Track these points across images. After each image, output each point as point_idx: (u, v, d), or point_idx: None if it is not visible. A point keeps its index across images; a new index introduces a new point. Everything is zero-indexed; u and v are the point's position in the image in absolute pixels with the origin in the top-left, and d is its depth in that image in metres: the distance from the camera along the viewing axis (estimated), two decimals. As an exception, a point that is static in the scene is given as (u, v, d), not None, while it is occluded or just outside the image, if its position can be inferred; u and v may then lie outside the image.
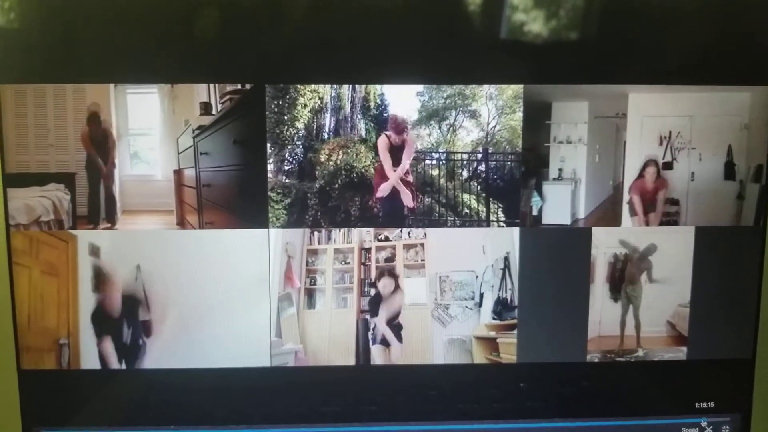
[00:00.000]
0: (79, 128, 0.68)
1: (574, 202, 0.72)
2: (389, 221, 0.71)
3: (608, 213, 0.72)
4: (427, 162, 0.71)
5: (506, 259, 0.72)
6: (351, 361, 0.73)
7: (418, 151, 0.71)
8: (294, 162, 0.70)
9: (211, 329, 0.71)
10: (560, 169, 0.72)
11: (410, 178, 0.71)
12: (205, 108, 0.69)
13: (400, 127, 0.70)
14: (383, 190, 0.71)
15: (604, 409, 0.75)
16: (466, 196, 0.72)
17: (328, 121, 0.70)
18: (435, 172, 0.72)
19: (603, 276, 0.73)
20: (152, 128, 0.69)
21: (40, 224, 0.69)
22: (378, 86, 0.69)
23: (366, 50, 0.68)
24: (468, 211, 0.72)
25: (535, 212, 0.72)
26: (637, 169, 0.72)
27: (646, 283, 0.73)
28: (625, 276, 0.73)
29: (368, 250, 0.72)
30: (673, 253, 0.73)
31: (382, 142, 0.70)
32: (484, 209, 0.72)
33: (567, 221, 0.72)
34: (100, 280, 0.70)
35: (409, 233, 0.72)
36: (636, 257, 0.73)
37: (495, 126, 0.70)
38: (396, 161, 0.71)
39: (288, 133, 0.69)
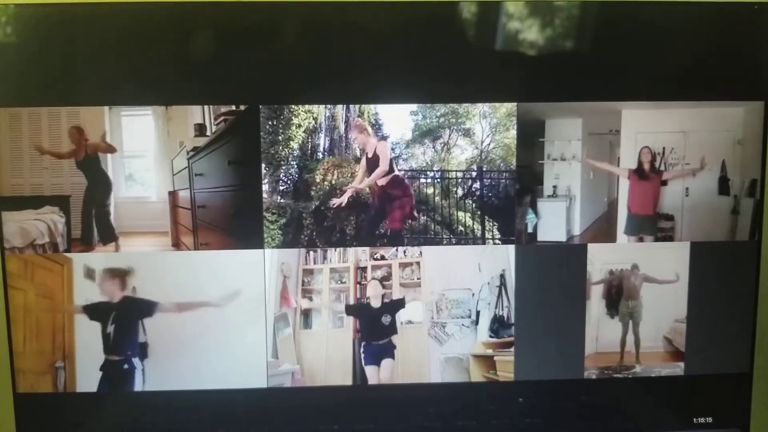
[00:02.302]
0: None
1: (569, 218, 0.72)
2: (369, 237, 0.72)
3: (603, 229, 0.73)
4: (422, 180, 0.71)
5: (502, 276, 0.72)
6: (348, 380, 0.73)
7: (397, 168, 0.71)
8: (289, 182, 0.70)
9: (207, 351, 0.71)
10: (555, 186, 0.72)
11: (390, 189, 0.71)
12: (200, 129, 0.69)
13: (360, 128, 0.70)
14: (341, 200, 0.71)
15: (602, 425, 0.75)
16: (461, 214, 0.72)
17: (322, 140, 0.70)
18: (430, 191, 0.72)
19: (599, 292, 0.73)
20: (147, 150, 0.69)
21: (35, 247, 0.69)
22: (372, 106, 0.69)
23: (360, 70, 0.68)
24: (463, 229, 0.72)
25: (530, 229, 0.72)
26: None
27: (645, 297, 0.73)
28: (623, 292, 0.73)
29: (364, 269, 0.72)
30: (668, 268, 0.73)
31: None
32: (480, 227, 0.72)
33: (562, 238, 0.72)
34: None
35: (405, 252, 0.72)
36: (632, 271, 0.73)
37: (489, 144, 0.71)
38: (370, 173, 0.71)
39: (283, 153, 0.69)
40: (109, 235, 0.70)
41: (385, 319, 0.72)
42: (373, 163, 0.70)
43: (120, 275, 0.70)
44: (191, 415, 0.72)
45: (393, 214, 0.71)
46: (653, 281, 0.73)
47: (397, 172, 0.71)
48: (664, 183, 0.72)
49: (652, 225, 0.72)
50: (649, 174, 0.72)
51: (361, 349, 0.73)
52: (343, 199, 0.70)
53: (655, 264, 0.73)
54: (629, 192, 0.72)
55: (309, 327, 0.73)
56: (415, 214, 0.71)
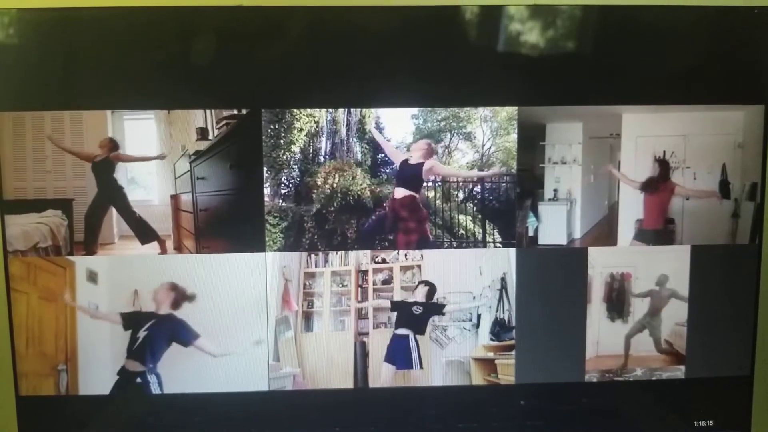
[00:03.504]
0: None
1: (569, 222, 0.73)
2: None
3: (604, 233, 0.73)
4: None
5: (503, 279, 0.72)
6: (349, 383, 0.73)
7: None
8: (290, 186, 0.70)
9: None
10: (555, 190, 0.72)
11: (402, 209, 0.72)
12: (202, 133, 0.69)
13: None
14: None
15: (603, 428, 0.75)
16: (462, 218, 0.72)
17: (324, 144, 0.70)
18: (431, 194, 0.72)
19: (600, 296, 0.73)
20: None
21: (38, 250, 0.69)
22: (373, 110, 0.70)
23: (361, 74, 0.69)
24: (464, 232, 0.72)
25: (531, 233, 0.72)
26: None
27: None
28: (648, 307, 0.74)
29: (365, 272, 0.72)
30: (669, 271, 0.73)
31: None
32: (480, 230, 0.72)
33: (563, 241, 0.72)
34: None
35: (406, 255, 0.72)
36: (659, 289, 0.73)
37: (490, 147, 0.71)
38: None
39: (284, 157, 0.70)
40: (150, 236, 0.70)
41: (417, 309, 0.73)
42: (409, 170, 0.71)
43: (179, 293, 0.70)
44: (193, 418, 0.72)
45: (398, 237, 0.72)
46: (682, 299, 0.73)
47: (416, 195, 0.71)
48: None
49: (658, 239, 0.73)
50: (656, 185, 0.72)
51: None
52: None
53: (656, 267, 0.73)
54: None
55: (310, 330, 0.73)
56: (428, 236, 0.72)
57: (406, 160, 0.71)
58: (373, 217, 0.71)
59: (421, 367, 0.73)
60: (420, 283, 0.72)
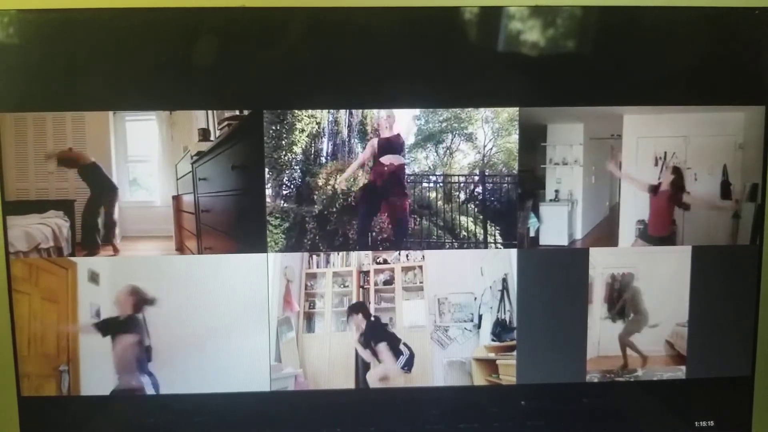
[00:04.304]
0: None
1: (571, 223, 0.73)
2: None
3: (605, 233, 0.73)
4: (425, 185, 0.72)
5: (504, 280, 0.72)
6: (351, 384, 0.73)
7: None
8: (292, 186, 0.70)
9: (210, 354, 0.71)
10: (557, 191, 0.72)
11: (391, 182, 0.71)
12: (204, 134, 0.69)
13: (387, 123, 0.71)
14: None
15: (604, 428, 0.75)
16: (463, 219, 0.72)
17: (325, 145, 0.70)
18: (432, 195, 0.72)
19: (601, 296, 0.73)
20: (151, 155, 0.70)
21: (40, 251, 0.69)
22: (375, 111, 0.70)
23: (363, 75, 0.69)
24: (466, 233, 0.72)
25: (532, 233, 0.72)
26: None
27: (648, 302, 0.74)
28: (626, 305, 0.74)
29: (367, 273, 0.72)
30: (670, 272, 0.73)
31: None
32: (482, 231, 0.72)
33: (564, 242, 0.73)
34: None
35: (407, 256, 0.72)
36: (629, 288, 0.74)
37: (491, 148, 0.71)
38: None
39: (286, 157, 0.70)
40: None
41: (365, 355, 0.73)
42: (387, 144, 0.70)
43: (139, 296, 0.70)
44: (195, 418, 0.72)
45: (383, 216, 0.72)
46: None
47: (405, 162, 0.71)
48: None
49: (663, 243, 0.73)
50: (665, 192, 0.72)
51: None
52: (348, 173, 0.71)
53: (657, 269, 0.73)
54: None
55: (312, 330, 0.73)
56: (407, 219, 0.72)
57: (380, 138, 0.71)
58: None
59: (405, 368, 0.73)
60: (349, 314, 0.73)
